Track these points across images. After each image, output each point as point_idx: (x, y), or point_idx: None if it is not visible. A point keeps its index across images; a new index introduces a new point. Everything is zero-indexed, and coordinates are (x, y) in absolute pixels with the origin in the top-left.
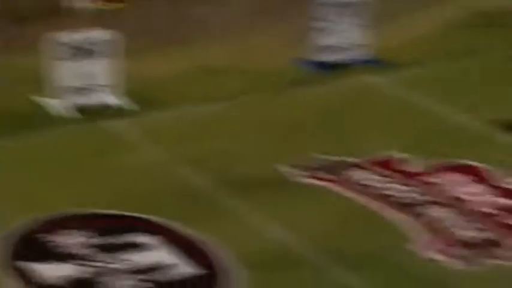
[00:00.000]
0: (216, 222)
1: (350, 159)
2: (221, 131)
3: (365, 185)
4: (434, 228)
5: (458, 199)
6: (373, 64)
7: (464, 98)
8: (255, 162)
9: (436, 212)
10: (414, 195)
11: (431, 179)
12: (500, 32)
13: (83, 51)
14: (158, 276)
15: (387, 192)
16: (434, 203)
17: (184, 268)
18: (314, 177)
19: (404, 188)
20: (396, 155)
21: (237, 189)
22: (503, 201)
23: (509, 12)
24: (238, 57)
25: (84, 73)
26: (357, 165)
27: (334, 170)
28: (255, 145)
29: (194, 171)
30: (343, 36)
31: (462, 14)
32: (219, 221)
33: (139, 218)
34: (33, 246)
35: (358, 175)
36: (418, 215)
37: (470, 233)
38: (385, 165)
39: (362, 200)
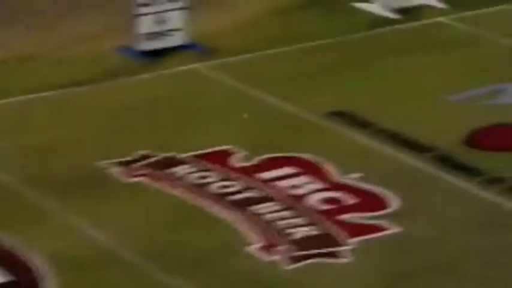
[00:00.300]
0: (25, 223)
1: (176, 155)
2: (34, 126)
3: (193, 182)
4: (266, 227)
5: (291, 195)
6: (196, 50)
7: (293, 87)
8: (72, 158)
9: (267, 209)
10: (245, 191)
11: (263, 174)
12: (329, 16)
13: None
14: None
15: (217, 190)
16: (266, 199)
17: None
18: (137, 175)
19: (234, 183)
20: (225, 148)
21: (50, 188)
22: (335, 195)
23: None
24: (55, 45)
25: None
26: (183, 161)
27: (158, 166)
28: (73, 140)
29: (1, 169)
30: (165, 22)
31: None
32: (29, 222)
33: None
34: None
35: (185, 171)
36: (248, 213)
37: (302, 230)
38: (215, 160)
39: (189, 198)
